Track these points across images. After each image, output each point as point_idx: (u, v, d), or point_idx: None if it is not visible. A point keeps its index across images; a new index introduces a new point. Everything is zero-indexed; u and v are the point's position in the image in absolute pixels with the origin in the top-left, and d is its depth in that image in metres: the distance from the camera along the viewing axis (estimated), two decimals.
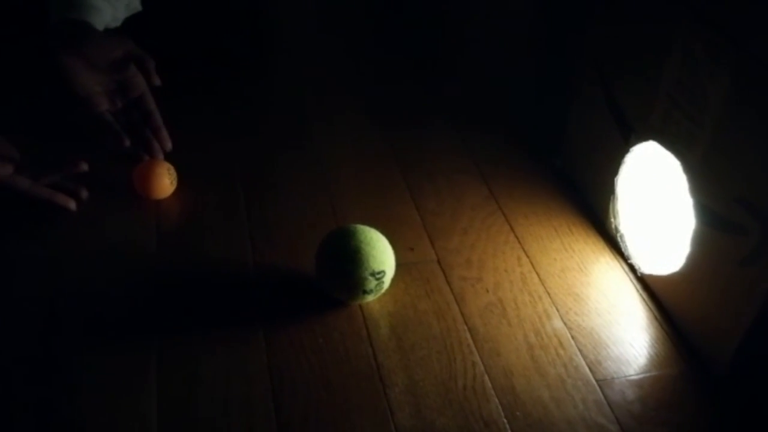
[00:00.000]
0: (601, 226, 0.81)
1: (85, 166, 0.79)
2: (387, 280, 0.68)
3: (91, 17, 0.83)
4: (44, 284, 0.70)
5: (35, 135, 0.83)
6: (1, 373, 0.62)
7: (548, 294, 0.73)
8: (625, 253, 0.77)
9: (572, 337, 0.68)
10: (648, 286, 0.74)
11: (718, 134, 0.62)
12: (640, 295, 0.74)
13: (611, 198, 0.77)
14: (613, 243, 0.79)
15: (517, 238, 0.79)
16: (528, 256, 0.77)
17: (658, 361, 0.67)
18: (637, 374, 0.66)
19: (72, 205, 0.77)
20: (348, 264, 0.66)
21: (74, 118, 0.83)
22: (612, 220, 0.78)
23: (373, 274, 0.67)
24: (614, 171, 0.76)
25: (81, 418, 0.59)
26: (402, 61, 1.10)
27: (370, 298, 0.69)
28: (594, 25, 0.80)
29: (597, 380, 0.65)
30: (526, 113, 1.00)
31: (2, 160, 0.75)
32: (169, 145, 0.84)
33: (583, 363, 0.66)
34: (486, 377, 0.64)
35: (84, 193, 0.79)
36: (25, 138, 0.79)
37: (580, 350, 0.67)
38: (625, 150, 0.74)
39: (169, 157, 0.84)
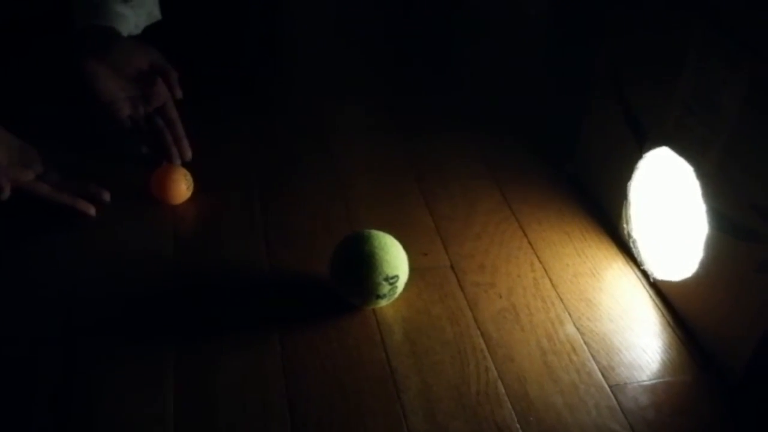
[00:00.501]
0: (614, 232, 0.81)
1: (107, 197, 0.80)
2: (401, 284, 0.69)
3: (117, 24, 0.84)
4: (62, 289, 0.71)
5: (58, 140, 0.85)
6: (20, 375, 0.64)
7: (561, 299, 0.73)
8: (638, 259, 0.77)
9: (585, 343, 0.69)
10: (661, 291, 0.74)
11: (733, 140, 0.62)
12: (653, 300, 0.74)
13: (624, 203, 0.77)
14: (625, 248, 0.79)
15: (530, 243, 0.79)
16: (541, 262, 0.77)
17: (671, 366, 0.67)
18: (651, 380, 0.66)
19: (92, 211, 0.78)
20: (362, 268, 0.67)
21: (96, 122, 0.84)
22: (625, 225, 0.78)
23: (386, 279, 0.67)
24: (627, 176, 0.76)
25: (99, 420, 0.60)
26: (416, 67, 1.10)
27: (383, 302, 0.69)
28: (609, 31, 0.80)
29: (610, 386, 0.65)
30: (540, 119, 1.00)
31: (23, 166, 0.76)
32: (188, 155, 0.85)
33: (596, 368, 0.66)
34: (499, 383, 0.65)
35: (106, 196, 0.80)
36: (48, 143, 0.81)
37: (593, 356, 0.67)
38: (638, 156, 0.74)
39: (185, 163, 0.85)
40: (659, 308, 0.73)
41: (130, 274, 0.73)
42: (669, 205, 0.73)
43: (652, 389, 0.65)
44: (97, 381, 0.63)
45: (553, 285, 0.74)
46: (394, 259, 0.68)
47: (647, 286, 0.75)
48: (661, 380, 0.66)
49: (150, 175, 0.81)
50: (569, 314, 0.71)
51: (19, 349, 0.66)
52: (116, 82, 0.82)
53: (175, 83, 0.83)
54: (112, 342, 0.67)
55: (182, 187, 0.81)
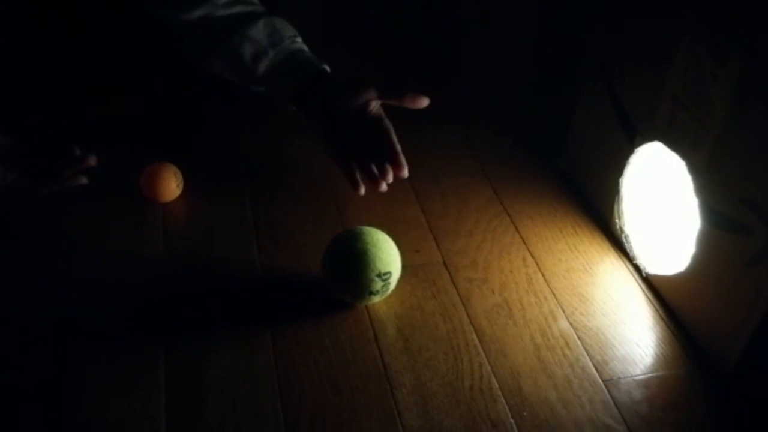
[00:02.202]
0: (606, 227, 0.81)
1: (93, 161, 0.77)
2: (393, 281, 0.69)
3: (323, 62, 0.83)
4: (53, 288, 0.71)
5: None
6: (13, 375, 0.63)
7: (554, 294, 0.73)
8: (630, 254, 0.77)
9: (578, 338, 0.69)
10: (653, 286, 0.74)
11: (724, 135, 0.62)
12: (646, 295, 0.74)
13: (616, 199, 0.78)
14: (618, 243, 0.79)
15: (522, 239, 0.79)
16: (533, 257, 0.77)
17: (664, 361, 0.67)
18: (644, 374, 0.66)
19: (83, 180, 0.75)
20: (354, 265, 0.67)
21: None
22: (617, 220, 0.78)
23: (379, 276, 0.67)
24: (619, 172, 0.76)
25: (91, 419, 0.60)
26: (406, 65, 1.10)
27: (376, 299, 0.69)
28: (598, 26, 0.80)
29: (604, 380, 0.65)
30: (531, 115, 1.00)
31: (5, 168, 0.74)
32: (402, 173, 0.79)
33: (590, 363, 0.66)
34: (493, 378, 0.65)
35: (92, 161, 0.77)
36: (32, 139, 0.79)
37: (586, 350, 0.67)
38: (629, 151, 0.74)
39: (175, 160, 0.84)
40: (652, 303, 0.73)
41: (120, 274, 0.73)
42: (661, 199, 0.73)
43: (645, 383, 0.65)
44: (88, 380, 0.63)
45: (545, 280, 0.74)
46: (387, 255, 0.68)
47: (640, 281, 0.75)
48: (654, 374, 0.66)
49: (140, 173, 0.81)
50: (562, 309, 0.71)
51: (10, 348, 0.65)
52: (346, 124, 0.80)
53: (416, 96, 0.79)
54: (103, 341, 0.66)
55: (172, 185, 0.80)
